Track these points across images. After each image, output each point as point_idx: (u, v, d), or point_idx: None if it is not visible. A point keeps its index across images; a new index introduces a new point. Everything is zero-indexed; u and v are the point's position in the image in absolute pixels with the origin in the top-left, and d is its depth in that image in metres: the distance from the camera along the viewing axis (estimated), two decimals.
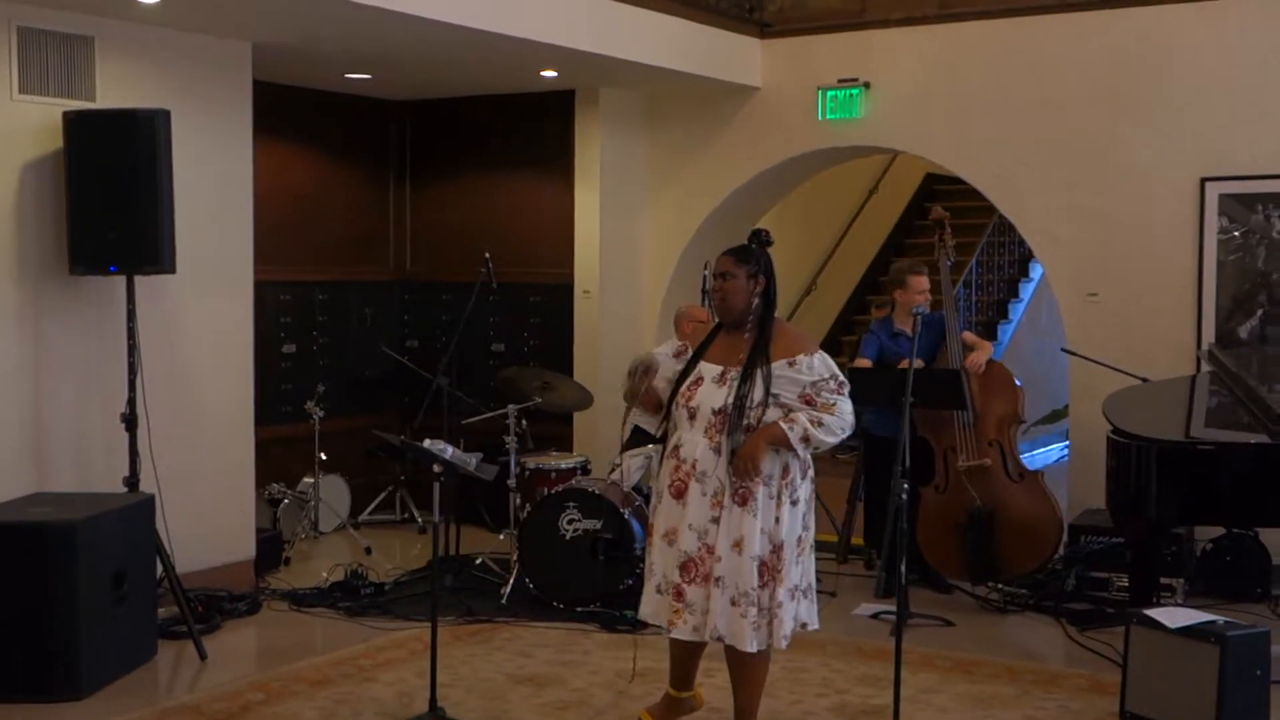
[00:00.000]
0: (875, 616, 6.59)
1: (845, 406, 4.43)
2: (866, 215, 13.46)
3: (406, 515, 8.68)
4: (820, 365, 4.45)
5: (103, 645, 5.35)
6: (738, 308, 4.50)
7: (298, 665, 5.68)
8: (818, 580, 7.01)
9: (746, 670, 4.58)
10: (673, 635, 4.50)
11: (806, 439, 4.36)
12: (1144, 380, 6.93)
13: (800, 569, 4.52)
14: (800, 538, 4.51)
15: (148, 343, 6.08)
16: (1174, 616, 5.08)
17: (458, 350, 7.62)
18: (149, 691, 5.42)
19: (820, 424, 4.37)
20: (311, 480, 8.13)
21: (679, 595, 4.43)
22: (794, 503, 4.47)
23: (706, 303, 7.25)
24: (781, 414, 4.41)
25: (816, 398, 4.41)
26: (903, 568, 4.91)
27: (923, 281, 6.99)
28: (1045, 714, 5.20)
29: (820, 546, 7.73)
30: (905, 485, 4.75)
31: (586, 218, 8.67)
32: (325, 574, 7.01)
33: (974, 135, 7.94)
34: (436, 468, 4.92)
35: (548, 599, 6.51)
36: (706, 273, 7.35)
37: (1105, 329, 7.50)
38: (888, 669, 4.69)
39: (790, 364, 4.42)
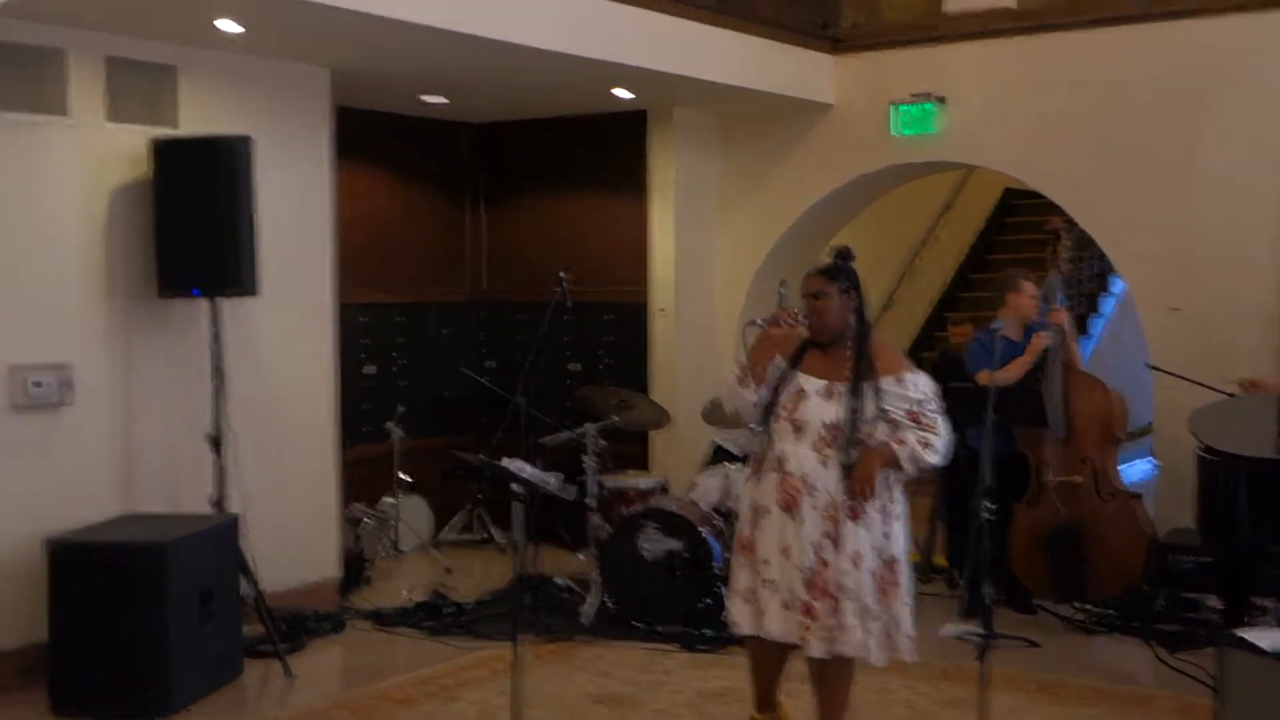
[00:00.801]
0: (959, 637, 6.51)
1: (946, 429, 4.43)
2: (945, 230, 13.35)
3: (485, 535, 8.71)
4: (926, 384, 4.45)
5: (191, 664, 5.42)
6: (835, 325, 4.49)
7: (383, 684, 5.73)
8: None
9: (842, 685, 4.59)
10: (809, 653, 4.46)
11: (915, 459, 4.36)
12: (1230, 395, 6.80)
13: (909, 583, 4.53)
14: (908, 552, 4.53)
15: (232, 364, 6.17)
16: (1269, 638, 4.95)
17: (535, 369, 7.65)
18: (236, 709, 5.50)
19: (927, 445, 4.37)
20: (392, 500, 8.19)
21: (809, 612, 4.39)
22: (899, 518, 4.49)
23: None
24: (890, 430, 4.39)
25: (922, 417, 4.39)
26: (986, 588, 4.86)
27: (1030, 287, 6.91)
28: None
29: None
30: (988, 505, 4.70)
31: (661, 236, 8.69)
32: (407, 593, 7.06)
33: (1051, 148, 7.86)
34: (516, 487, 4.92)
35: (627, 618, 6.51)
36: (782, 290, 7.32)
37: (1188, 343, 7.37)
38: (972, 691, 4.64)
39: (898, 380, 4.42)
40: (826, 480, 4.38)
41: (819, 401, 4.43)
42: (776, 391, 4.52)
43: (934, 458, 4.37)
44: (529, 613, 6.58)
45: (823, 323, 4.49)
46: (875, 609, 4.38)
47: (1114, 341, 12.31)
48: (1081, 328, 12.46)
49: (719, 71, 7.64)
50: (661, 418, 7.63)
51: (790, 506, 4.41)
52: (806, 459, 4.39)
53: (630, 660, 6.09)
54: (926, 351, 12.90)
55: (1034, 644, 6.38)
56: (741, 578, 4.58)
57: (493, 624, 6.58)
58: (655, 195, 8.69)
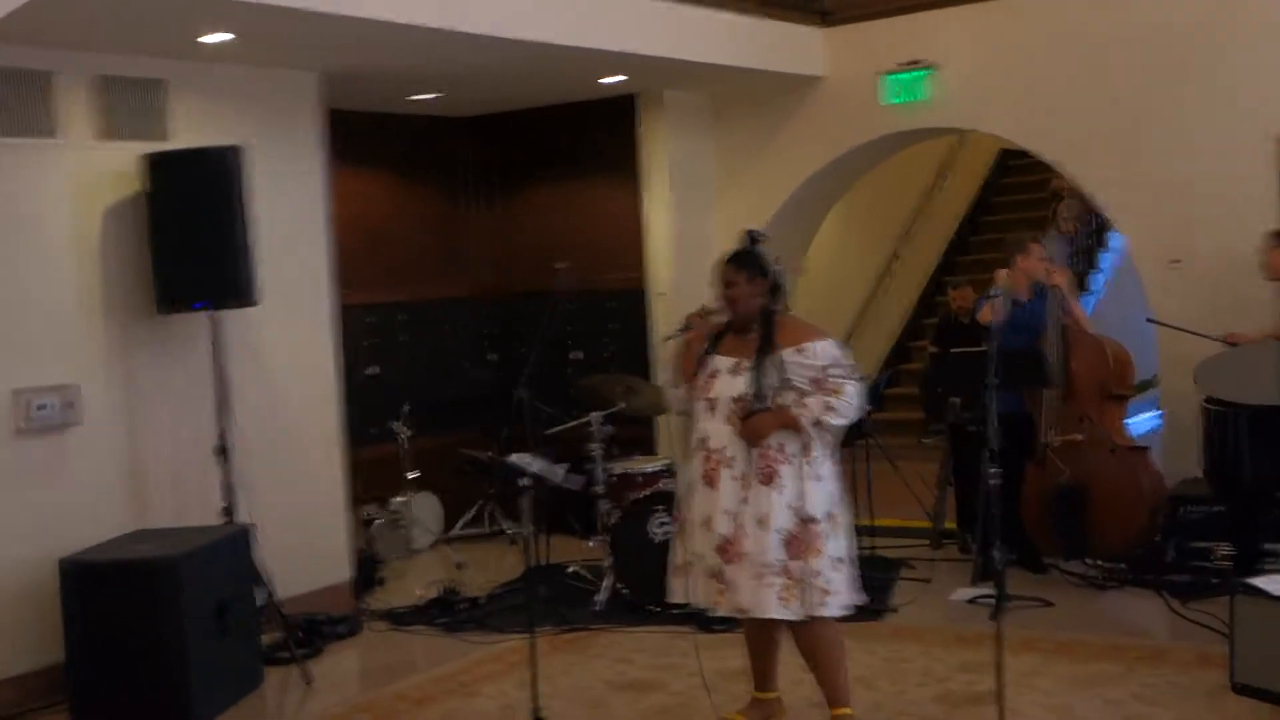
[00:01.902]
0: (973, 601, 6.54)
1: (852, 389, 4.62)
2: (941, 195, 13.34)
3: (497, 528, 8.74)
4: (829, 350, 4.65)
5: (211, 676, 5.45)
6: (747, 309, 4.71)
7: (401, 684, 5.76)
8: (911, 566, 7.03)
9: (817, 646, 4.71)
10: (718, 613, 4.71)
11: (817, 422, 4.56)
12: (1233, 345, 6.80)
13: (836, 543, 4.64)
14: (831, 513, 4.64)
15: (235, 374, 6.20)
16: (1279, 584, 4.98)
17: (538, 361, 7.66)
18: (258, 719, 5.52)
19: (830, 408, 4.57)
20: (402, 499, 8.22)
21: (719, 577, 4.60)
22: (819, 479, 4.63)
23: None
24: (796, 397, 4.60)
25: (826, 382, 4.59)
26: (997, 552, 4.87)
27: (1038, 249, 6.93)
28: (1153, 691, 5.13)
29: (913, 533, 7.82)
30: (995, 469, 4.71)
31: (657, 220, 8.70)
32: (419, 591, 7.09)
33: (1043, 109, 7.84)
34: (525, 481, 4.95)
35: (642, 603, 6.53)
36: (779, 267, 7.31)
37: (1189, 296, 7.36)
38: (989, 654, 4.66)
39: (799, 350, 4.63)
40: (740, 450, 4.60)
41: (727, 379, 4.67)
42: (698, 376, 4.78)
43: (837, 420, 4.58)
44: (543, 603, 6.62)
45: (735, 309, 4.72)
46: (777, 565, 4.53)
47: (1115, 297, 12.29)
48: (1081, 284, 12.45)
49: (709, 51, 7.64)
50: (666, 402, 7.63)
51: (712, 480, 4.64)
52: (722, 433, 4.63)
53: (647, 645, 6.12)
54: (927, 318, 12.92)
55: (1048, 603, 6.40)
56: (677, 552, 4.82)
57: (507, 616, 6.61)
58: (650, 178, 8.70)
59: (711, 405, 4.69)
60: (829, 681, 4.76)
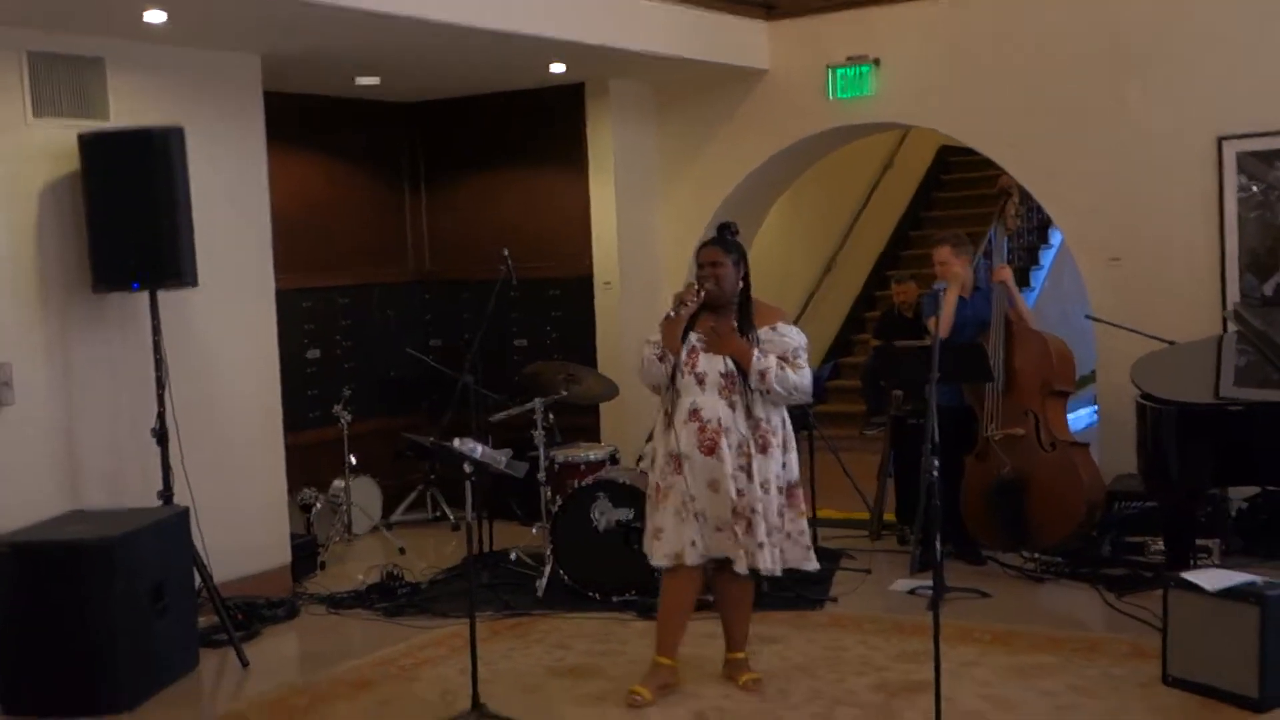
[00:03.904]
0: (912, 592, 6.60)
1: (809, 374, 5.08)
2: (883, 190, 13.42)
3: (438, 514, 8.72)
4: (797, 335, 5.12)
5: (145, 658, 5.40)
6: (729, 290, 5.09)
7: (339, 669, 5.73)
8: (851, 557, 7.12)
9: (744, 599, 5.28)
10: (736, 569, 5.05)
11: (763, 375, 4.95)
12: (1171, 343, 6.90)
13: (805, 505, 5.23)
14: (800, 478, 5.22)
15: (174, 356, 6.11)
16: (1212, 578, 5.06)
17: (481, 347, 7.64)
18: (193, 702, 5.48)
19: (782, 377, 4.97)
20: (342, 484, 8.17)
21: (734, 535, 4.99)
22: (793, 450, 5.19)
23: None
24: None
25: (789, 358, 5.03)
26: (938, 543, 4.92)
27: (938, 253, 6.99)
28: (1088, 682, 5.20)
29: (853, 524, 7.88)
30: (936, 461, 4.75)
31: (603, 209, 8.68)
32: (361, 576, 7.06)
33: (986, 106, 7.91)
34: (467, 467, 4.94)
35: (583, 590, 6.53)
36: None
37: (1129, 293, 7.46)
38: (927, 644, 4.69)
39: (773, 329, 5.10)
40: (736, 422, 5.01)
41: (710, 356, 5.05)
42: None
43: (780, 386, 4.96)
44: (484, 589, 6.61)
45: (720, 288, 5.07)
46: (780, 527, 5.07)
47: (1055, 293, 12.44)
48: (1023, 280, 12.58)
49: (653, 42, 7.62)
50: (610, 390, 7.64)
51: (712, 450, 5.00)
52: (718, 406, 5.01)
53: (587, 631, 6.12)
54: (868, 311, 13.01)
55: (985, 595, 6.47)
56: (655, 519, 5.13)
57: (448, 602, 6.59)
58: (595, 168, 8.69)
59: (700, 380, 5.04)
60: (744, 630, 5.32)
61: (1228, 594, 4.90)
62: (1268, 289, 7.16)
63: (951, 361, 6.53)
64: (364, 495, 8.35)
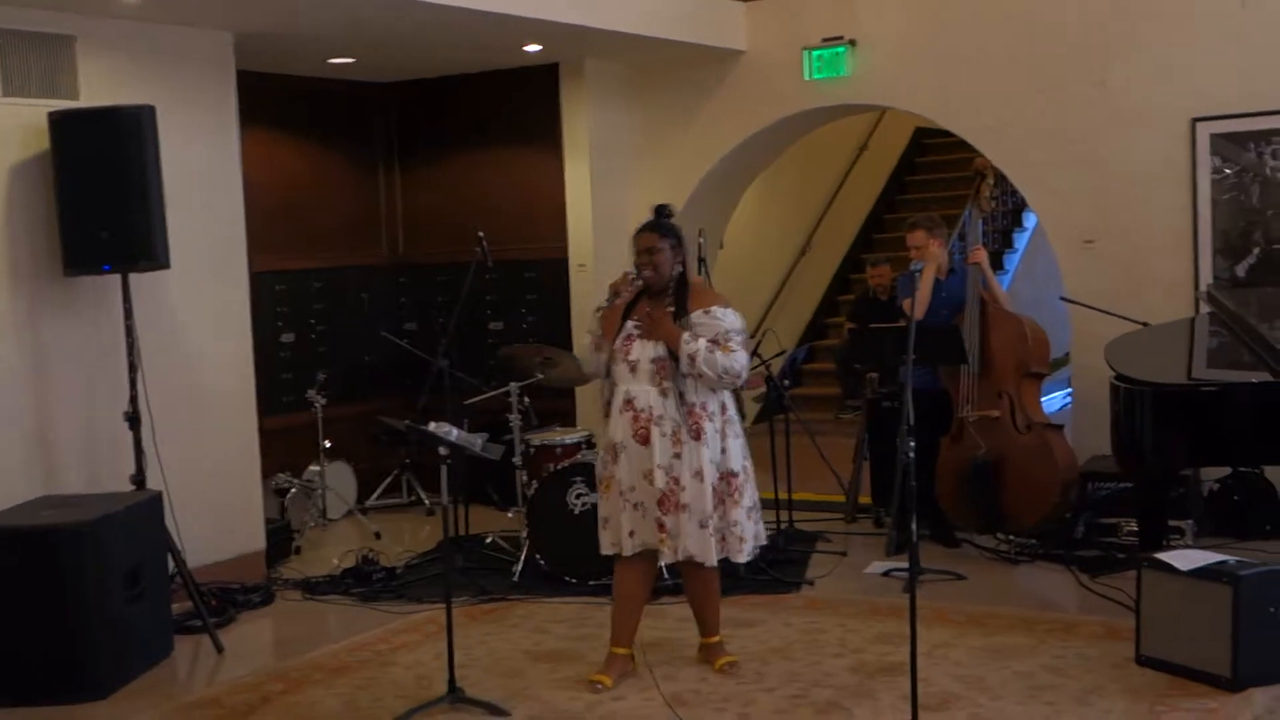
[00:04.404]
0: (887, 574, 6.61)
1: (741, 357, 4.97)
2: (858, 173, 13.42)
3: (414, 498, 8.69)
4: (733, 318, 5.02)
5: (120, 644, 5.36)
6: (666, 275, 5.05)
7: (315, 654, 5.70)
8: (827, 539, 7.13)
9: (709, 586, 5.21)
10: (661, 561, 5.08)
11: (693, 357, 4.88)
12: (1144, 325, 6.92)
13: (751, 494, 5.10)
14: (745, 466, 5.09)
15: (146, 339, 6.07)
16: (1185, 559, 5.09)
17: (457, 331, 7.61)
18: (168, 687, 5.44)
19: (712, 357, 4.88)
20: (317, 468, 8.14)
21: (661, 526, 4.98)
22: (736, 435, 5.09)
23: (701, 270, 7.24)
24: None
25: (722, 342, 4.94)
26: (913, 525, 4.92)
27: (912, 237, 6.99)
28: (1062, 662, 5.22)
29: (829, 506, 7.89)
30: (912, 443, 4.75)
31: (578, 191, 8.65)
32: (337, 561, 7.03)
33: (962, 88, 7.91)
34: (443, 451, 4.92)
35: (560, 574, 6.52)
36: (702, 240, 7.33)
37: (1103, 275, 7.48)
38: (902, 626, 4.70)
39: (706, 313, 5.00)
40: (669, 408, 4.96)
41: (643, 342, 5.01)
42: (615, 340, 5.10)
43: (710, 370, 4.88)
44: (461, 574, 6.59)
45: (657, 274, 5.03)
46: (714, 516, 4.97)
47: (1029, 276, 12.47)
48: (996, 263, 12.61)
49: (628, 21, 7.59)
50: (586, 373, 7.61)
51: (644, 439, 4.98)
52: (649, 394, 4.98)
53: (564, 615, 6.11)
54: (843, 294, 13.02)
55: (960, 577, 6.48)
56: (602, 508, 5.18)
57: (424, 587, 6.57)
58: (570, 149, 8.66)
59: (633, 367, 5.02)
60: (714, 615, 5.29)
61: (1200, 574, 4.93)
62: (1240, 270, 7.19)
63: (927, 344, 6.57)
64: (339, 480, 8.31)
